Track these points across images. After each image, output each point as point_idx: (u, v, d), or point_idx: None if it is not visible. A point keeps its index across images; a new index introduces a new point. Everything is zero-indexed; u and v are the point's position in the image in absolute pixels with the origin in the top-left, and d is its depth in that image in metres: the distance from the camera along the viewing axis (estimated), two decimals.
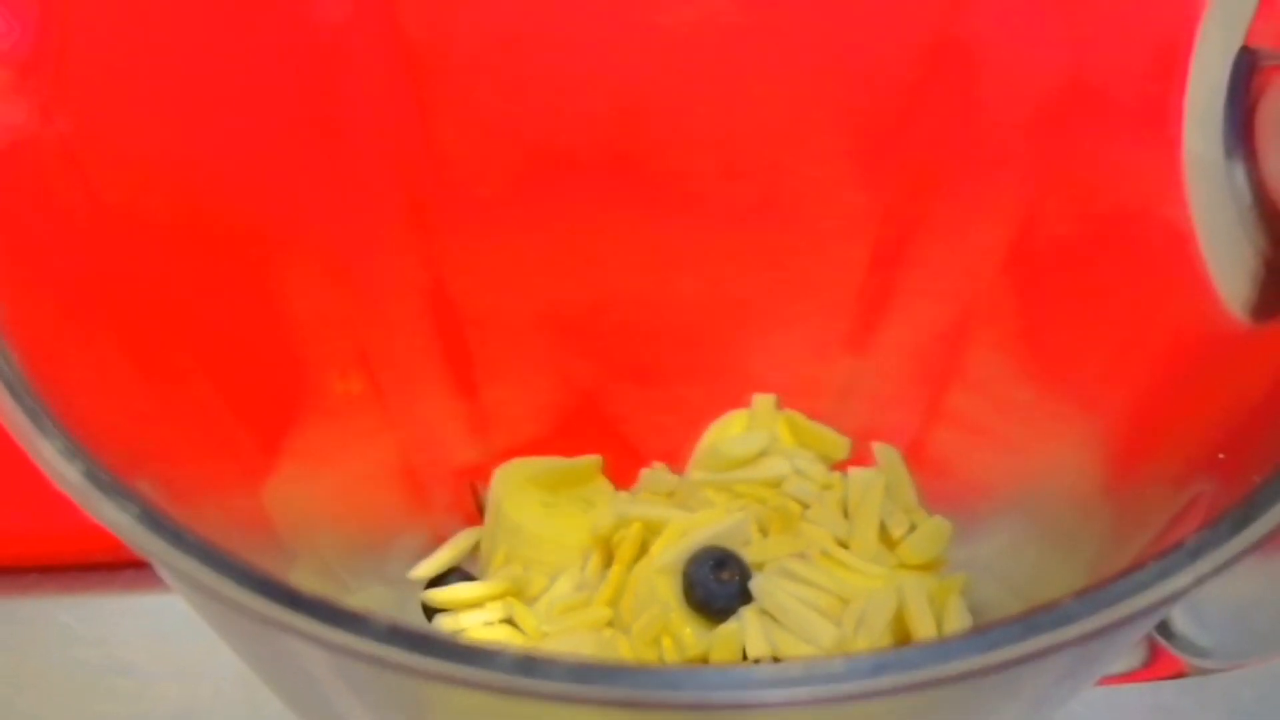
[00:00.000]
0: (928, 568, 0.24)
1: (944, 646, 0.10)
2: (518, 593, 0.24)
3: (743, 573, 0.23)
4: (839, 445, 0.26)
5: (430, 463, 0.25)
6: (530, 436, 0.26)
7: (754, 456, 0.25)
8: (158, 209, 0.18)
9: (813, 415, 0.26)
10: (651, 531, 0.24)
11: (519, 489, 0.25)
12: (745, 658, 0.22)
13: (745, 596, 0.23)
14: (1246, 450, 0.14)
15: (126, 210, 0.18)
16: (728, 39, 0.22)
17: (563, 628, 0.23)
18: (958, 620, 0.22)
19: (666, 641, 0.22)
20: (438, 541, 0.25)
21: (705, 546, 0.23)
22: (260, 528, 0.19)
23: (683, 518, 0.23)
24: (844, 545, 0.24)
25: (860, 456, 0.26)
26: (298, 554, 0.20)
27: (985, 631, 0.11)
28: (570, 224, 0.24)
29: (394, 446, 0.24)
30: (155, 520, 0.11)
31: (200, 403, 0.19)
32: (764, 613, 0.22)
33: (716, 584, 0.22)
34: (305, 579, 0.19)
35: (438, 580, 0.25)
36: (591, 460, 0.26)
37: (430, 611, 0.24)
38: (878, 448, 0.25)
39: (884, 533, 0.24)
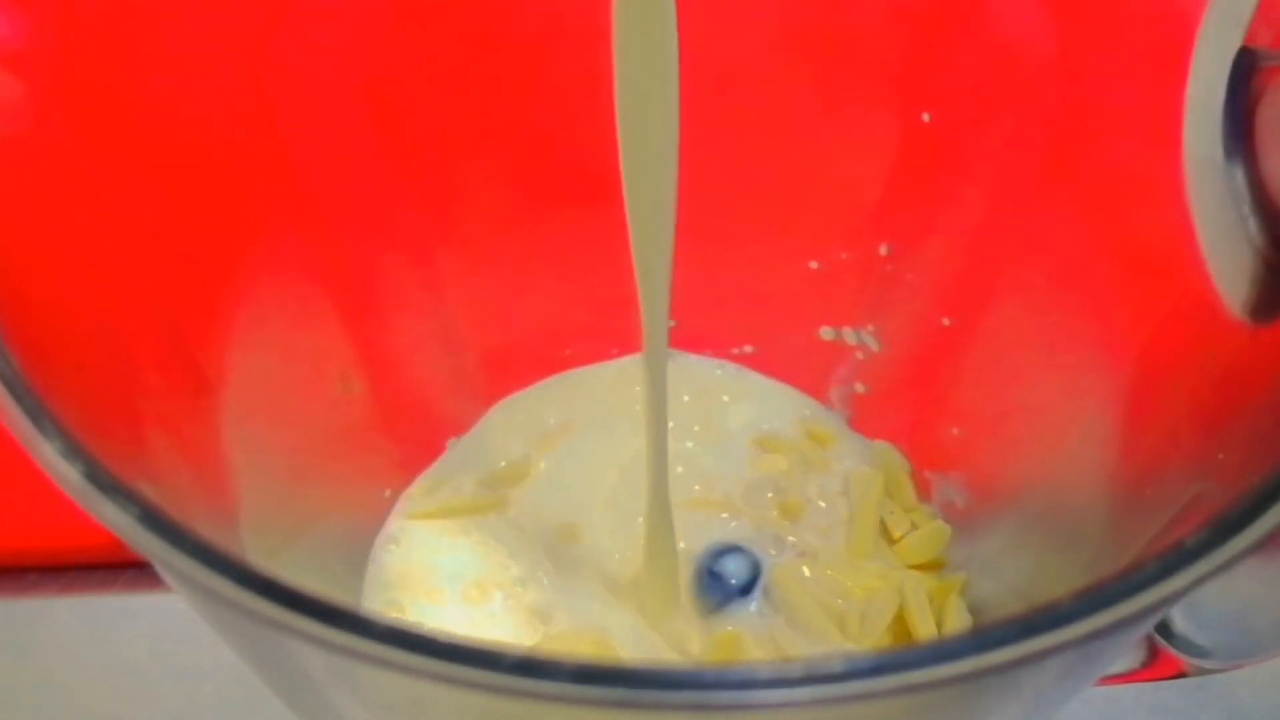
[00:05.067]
0: (928, 567, 0.24)
1: (943, 647, 0.10)
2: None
3: (754, 568, 0.23)
4: (844, 445, 0.26)
5: (413, 420, 0.25)
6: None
7: (757, 456, 0.26)
8: (157, 209, 0.18)
9: (815, 424, 0.26)
10: None
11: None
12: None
13: (754, 592, 0.23)
14: (1246, 450, 0.14)
15: (126, 210, 0.18)
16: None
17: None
18: (957, 620, 0.22)
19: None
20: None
21: (719, 543, 0.23)
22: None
23: None
24: (844, 545, 0.24)
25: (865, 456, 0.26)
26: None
27: (985, 632, 0.10)
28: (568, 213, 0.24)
29: (380, 417, 0.24)
30: (155, 520, 0.11)
31: (199, 399, 0.19)
32: (775, 609, 0.23)
33: (731, 579, 0.23)
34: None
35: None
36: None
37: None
38: (878, 447, 0.25)
39: (884, 532, 0.24)
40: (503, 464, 0.25)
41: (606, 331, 0.26)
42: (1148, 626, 0.18)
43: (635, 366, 0.26)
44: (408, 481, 0.25)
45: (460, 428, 0.26)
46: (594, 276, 0.25)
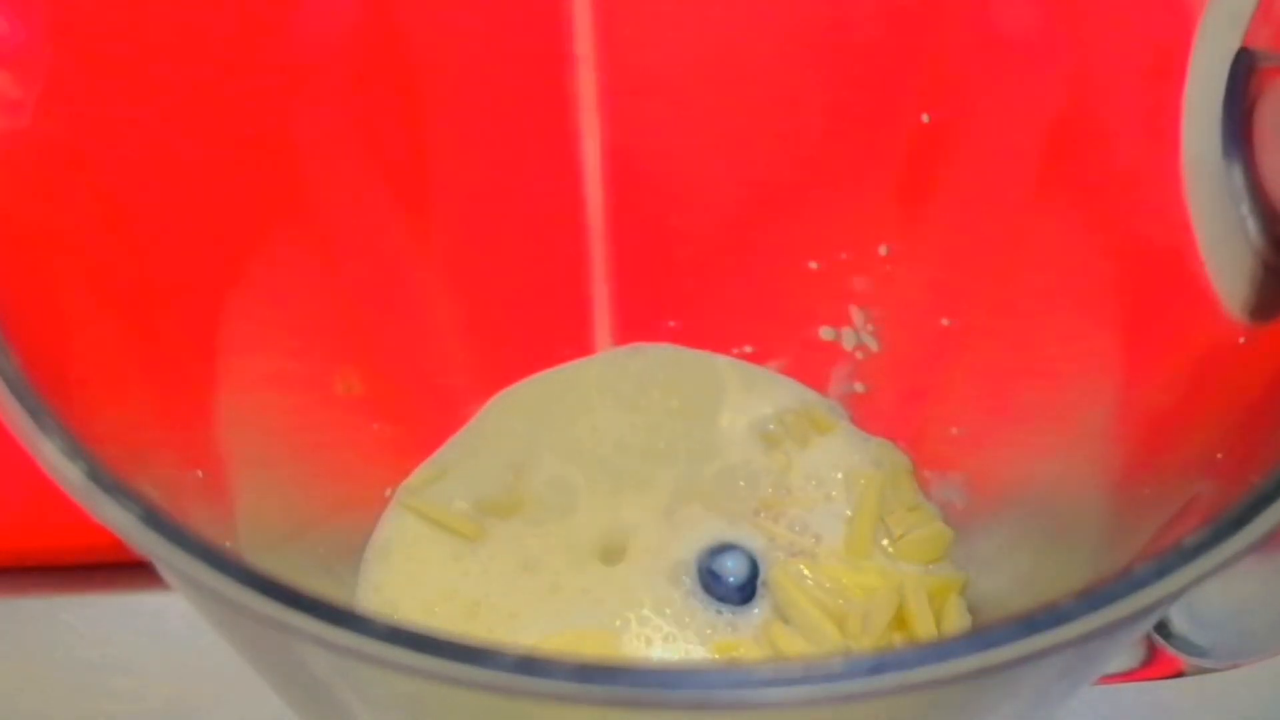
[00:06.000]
0: (928, 566, 0.24)
1: (943, 647, 0.10)
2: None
3: (752, 567, 0.23)
4: (843, 443, 0.26)
5: (412, 418, 0.25)
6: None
7: (756, 453, 0.26)
8: (158, 208, 0.19)
9: (813, 412, 0.26)
10: None
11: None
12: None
13: (754, 591, 0.23)
14: (1245, 450, 0.14)
15: (127, 209, 0.18)
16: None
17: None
18: (957, 619, 0.22)
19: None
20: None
21: (717, 542, 0.23)
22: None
23: None
24: (844, 544, 0.24)
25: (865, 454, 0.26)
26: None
27: (984, 632, 0.11)
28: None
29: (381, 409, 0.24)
30: (157, 520, 0.12)
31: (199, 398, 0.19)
32: (774, 608, 0.23)
33: (729, 577, 0.23)
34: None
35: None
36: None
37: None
38: (878, 446, 0.25)
39: (885, 531, 0.24)
40: (495, 488, 0.25)
41: (604, 325, 0.26)
42: (1147, 626, 0.18)
43: (628, 356, 0.27)
44: (405, 477, 0.25)
45: (458, 423, 0.26)
46: (591, 272, 0.25)
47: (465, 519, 0.24)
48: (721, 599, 0.23)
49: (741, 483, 0.25)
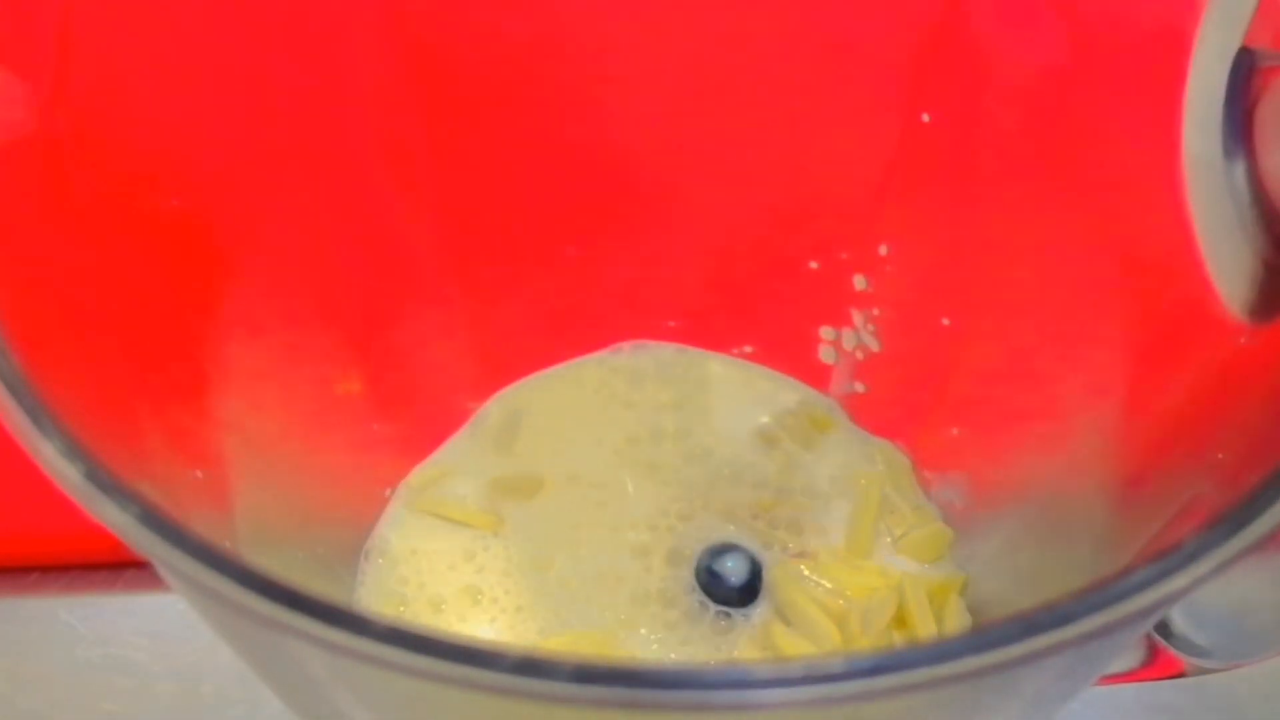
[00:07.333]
0: (928, 566, 0.24)
1: (943, 647, 0.10)
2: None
3: (753, 567, 0.23)
4: (843, 442, 0.26)
5: (412, 417, 0.25)
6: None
7: (755, 453, 0.26)
8: (158, 208, 0.19)
9: (813, 411, 0.26)
10: None
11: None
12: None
13: (754, 592, 0.23)
14: (1245, 451, 0.14)
15: (127, 209, 0.18)
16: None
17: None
18: (957, 619, 0.22)
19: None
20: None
21: (718, 542, 0.23)
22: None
23: None
24: (843, 544, 0.24)
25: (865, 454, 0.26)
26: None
27: (984, 632, 0.11)
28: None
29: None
30: (156, 521, 0.11)
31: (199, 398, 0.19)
32: (774, 608, 0.23)
33: (730, 578, 0.23)
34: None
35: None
36: None
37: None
38: (878, 447, 0.25)
39: (886, 530, 0.24)
40: (500, 474, 0.25)
41: (604, 325, 0.26)
42: (1147, 626, 0.18)
43: (628, 356, 0.27)
44: (405, 477, 0.25)
45: (458, 423, 0.26)
46: (591, 272, 0.25)
47: (474, 510, 0.24)
48: (722, 599, 0.23)
49: (742, 483, 0.25)
